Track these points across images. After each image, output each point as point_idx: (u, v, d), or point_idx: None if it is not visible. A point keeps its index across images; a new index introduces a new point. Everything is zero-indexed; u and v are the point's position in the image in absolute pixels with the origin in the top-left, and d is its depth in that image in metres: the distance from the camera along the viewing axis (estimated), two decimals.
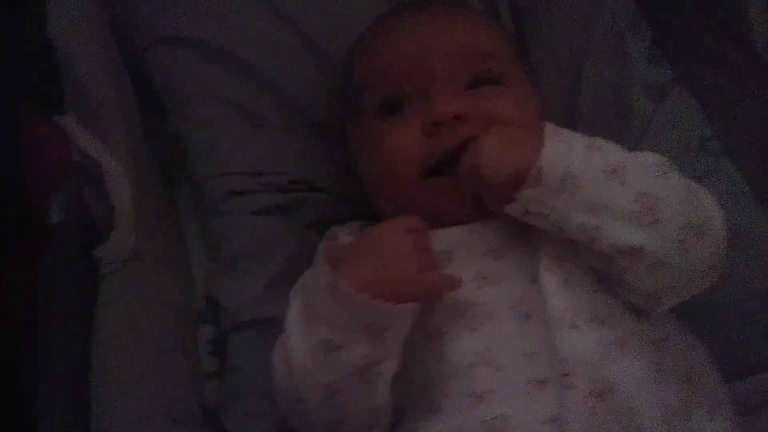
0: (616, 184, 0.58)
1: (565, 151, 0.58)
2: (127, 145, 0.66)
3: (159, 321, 0.66)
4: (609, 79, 0.78)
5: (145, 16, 0.75)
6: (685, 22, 0.80)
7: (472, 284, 0.60)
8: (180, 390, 0.65)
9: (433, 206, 0.64)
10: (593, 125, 0.76)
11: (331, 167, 0.77)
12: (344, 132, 0.72)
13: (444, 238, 0.62)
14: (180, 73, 0.76)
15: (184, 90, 0.76)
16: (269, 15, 0.77)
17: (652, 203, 0.57)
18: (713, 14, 0.77)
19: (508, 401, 0.56)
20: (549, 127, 0.59)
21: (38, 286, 0.53)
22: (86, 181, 0.59)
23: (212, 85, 0.76)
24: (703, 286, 0.61)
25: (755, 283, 0.70)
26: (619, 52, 0.78)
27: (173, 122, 0.77)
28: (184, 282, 0.75)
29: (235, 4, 0.76)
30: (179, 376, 0.66)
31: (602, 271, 0.60)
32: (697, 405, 0.58)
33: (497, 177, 0.58)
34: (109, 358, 0.58)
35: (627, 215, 0.57)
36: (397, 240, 0.57)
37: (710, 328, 0.66)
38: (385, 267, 0.56)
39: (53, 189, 0.58)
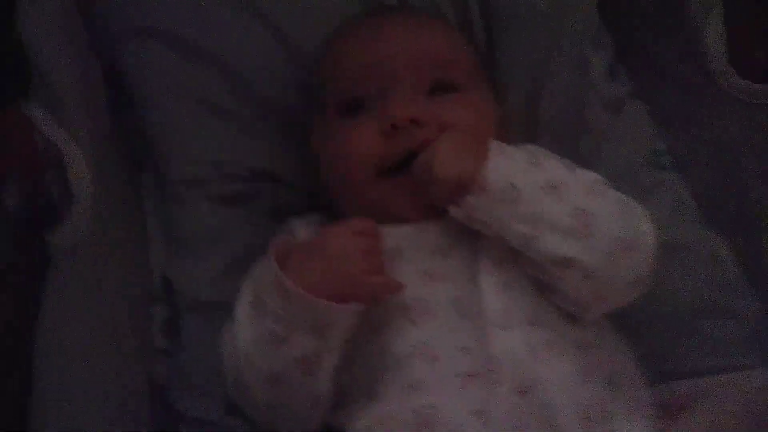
0: (554, 199, 0.62)
1: (508, 165, 0.62)
2: (90, 132, 0.68)
3: (108, 300, 0.69)
4: (569, 92, 0.81)
5: (117, 7, 0.77)
6: (644, 37, 0.83)
7: (417, 280, 0.63)
8: (127, 367, 0.68)
9: (386, 204, 0.67)
10: (552, 136, 0.79)
11: (293, 159, 0.79)
12: (307, 126, 0.75)
13: (394, 235, 0.65)
14: (148, 63, 0.78)
15: (151, 80, 0.78)
16: (240, 8, 0.78)
17: (587, 218, 0.61)
18: (670, 31, 0.80)
19: (438, 392, 0.59)
20: (494, 143, 0.64)
21: None
22: (49, 167, 0.62)
23: (179, 75, 0.78)
24: (632, 297, 0.65)
25: (687, 294, 0.74)
26: (581, 66, 0.81)
27: (139, 109, 0.79)
28: (139, 262, 0.77)
29: None
30: (126, 354, 0.69)
31: (538, 278, 0.63)
32: (617, 406, 0.61)
33: (446, 177, 0.62)
34: (53, 339, 0.60)
35: (562, 228, 0.61)
36: (346, 241, 0.61)
37: (640, 333, 0.70)
38: (332, 267, 0.60)
39: (14, 174, 0.61)
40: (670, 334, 0.73)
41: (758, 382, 0.70)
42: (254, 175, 0.79)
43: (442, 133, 0.65)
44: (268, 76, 0.79)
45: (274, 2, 0.79)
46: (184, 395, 0.70)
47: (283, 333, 0.58)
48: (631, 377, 0.65)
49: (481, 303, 0.62)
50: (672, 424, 0.67)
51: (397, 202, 0.67)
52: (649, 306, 0.69)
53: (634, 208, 0.65)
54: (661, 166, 0.81)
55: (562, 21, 0.81)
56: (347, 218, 0.66)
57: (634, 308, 0.66)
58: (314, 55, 0.76)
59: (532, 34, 0.81)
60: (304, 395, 0.61)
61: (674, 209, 0.78)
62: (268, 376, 0.60)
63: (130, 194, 0.80)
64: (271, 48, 0.79)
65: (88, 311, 0.65)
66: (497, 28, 0.82)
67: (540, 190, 0.62)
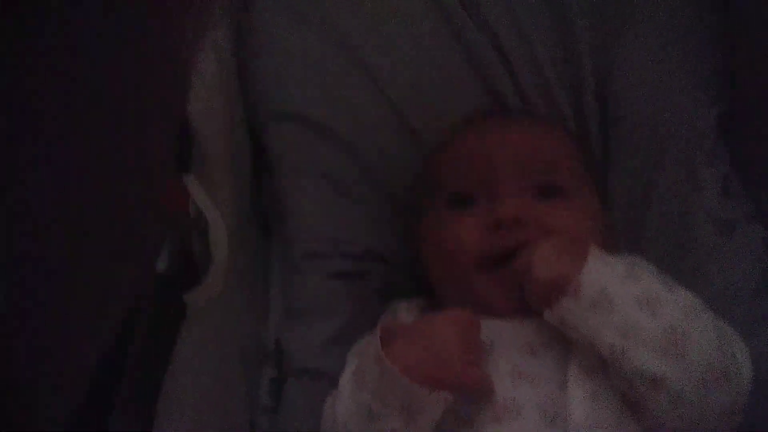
0: (648, 313, 0.62)
1: (604, 272, 0.63)
2: (233, 204, 0.76)
3: (228, 358, 0.76)
4: (677, 207, 0.81)
5: (265, 92, 0.85)
6: (765, 154, 0.81)
7: (507, 378, 0.65)
8: (235, 421, 0.74)
9: (483, 296, 0.70)
10: (656, 249, 0.80)
11: (402, 242, 0.84)
12: (416, 216, 0.80)
13: (488, 329, 0.68)
14: (287, 143, 0.85)
15: (287, 158, 0.85)
16: (372, 96, 0.84)
17: (680, 339, 0.61)
18: None
19: None
20: (594, 250, 0.65)
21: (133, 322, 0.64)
22: (196, 230, 0.72)
23: (312, 156, 0.85)
24: (722, 430, 0.64)
25: None
26: (691, 181, 0.81)
27: (275, 183, 0.86)
28: (261, 322, 0.84)
29: (342, 85, 0.84)
30: (236, 407, 0.75)
31: (625, 393, 0.63)
32: None
33: (543, 278, 0.64)
34: (175, 390, 0.66)
35: (653, 345, 0.61)
36: (447, 330, 0.64)
37: None
38: (431, 354, 0.62)
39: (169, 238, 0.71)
40: None
41: None
42: (367, 254, 0.84)
43: (544, 234, 0.68)
44: (389, 160, 0.85)
45: (405, 91, 0.85)
46: None
47: (377, 410, 0.62)
48: None
49: (568, 410, 0.63)
50: None
51: (493, 296, 0.70)
52: None
53: (731, 336, 0.65)
54: None
55: (677, 133, 0.81)
56: (447, 306, 0.70)
57: None
58: (433, 146, 0.81)
59: (644, 143, 0.82)
60: None
61: None
62: None
63: (260, 258, 0.88)
64: (396, 134, 0.85)
65: (210, 365, 0.72)
66: (613, 132, 0.84)
67: (634, 302, 0.62)
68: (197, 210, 0.71)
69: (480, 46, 0.84)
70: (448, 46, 0.85)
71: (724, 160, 0.83)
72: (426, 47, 0.85)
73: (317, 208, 0.85)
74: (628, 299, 0.62)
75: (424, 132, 0.85)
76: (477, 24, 0.84)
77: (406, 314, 0.75)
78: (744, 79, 0.82)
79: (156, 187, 0.77)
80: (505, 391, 0.64)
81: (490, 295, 0.70)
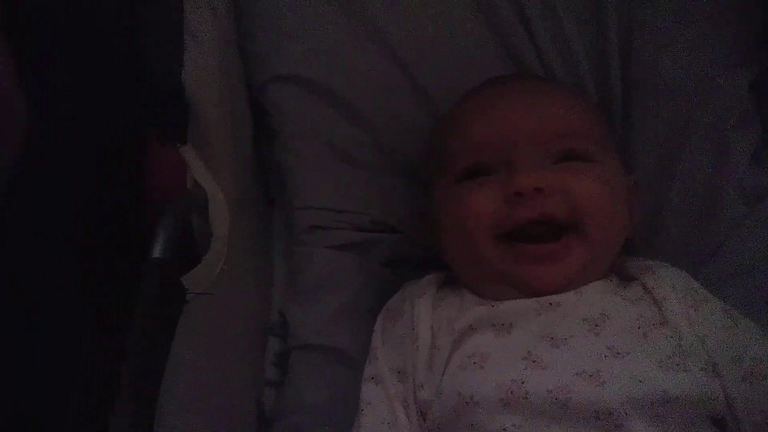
0: None
1: None
2: (233, 176, 0.74)
3: (232, 332, 0.74)
4: (703, 175, 0.77)
5: (264, 53, 0.81)
6: None
7: (520, 363, 0.62)
8: (239, 398, 0.73)
9: (503, 271, 0.66)
10: (680, 220, 0.77)
11: (412, 211, 0.81)
12: (429, 187, 0.75)
13: (509, 309, 0.65)
14: (288, 108, 0.81)
15: (289, 123, 0.82)
16: (381, 57, 0.80)
17: None
18: None
19: None
20: None
21: (131, 307, 0.62)
22: (194, 206, 0.69)
23: (315, 121, 0.81)
24: None
25: None
26: (720, 149, 0.77)
27: (277, 151, 0.83)
28: (265, 295, 0.82)
29: (348, 45, 0.80)
30: (241, 384, 0.74)
31: None
32: None
33: None
34: (178, 367, 0.65)
35: None
36: None
37: None
38: None
39: (166, 204, 0.68)
40: None
41: None
42: (375, 225, 0.81)
43: (567, 203, 0.64)
44: (399, 126, 0.81)
45: (418, 55, 0.80)
46: (284, 430, 0.73)
47: None
48: None
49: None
50: None
51: (513, 272, 0.65)
52: None
53: None
54: None
55: (705, 98, 0.77)
56: (465, 282, 0.67)
57: None
58: (441, 120, 0.76)
59: (669, 108, 0.77)
60: None
61: None
62: None
63: (265, 227, 0.85)
64: (407, 98, 0.81)
65: (212, 344, 0.70)
66: (636, 97, 0.79)
67: None
68: (196, 184, 0.68)
69: (499, 6, 0.79)
70: (467, 8, 0.80)
71: (756, 128, 0.78)
72: (442, 8, 0.80)
73: (320, 176, 0.82)
74: None
75: (437, 97, 0.80)
76: None
77: (423, 303, 0.69)
78: None
79: (149, 164, 0.73)
80: (515, 375, 0.62)
81: (511, 272, 0.66)
